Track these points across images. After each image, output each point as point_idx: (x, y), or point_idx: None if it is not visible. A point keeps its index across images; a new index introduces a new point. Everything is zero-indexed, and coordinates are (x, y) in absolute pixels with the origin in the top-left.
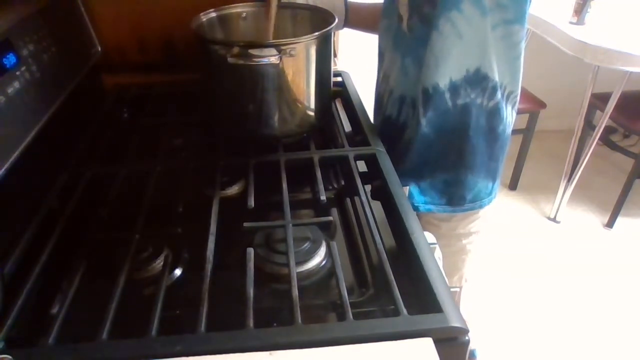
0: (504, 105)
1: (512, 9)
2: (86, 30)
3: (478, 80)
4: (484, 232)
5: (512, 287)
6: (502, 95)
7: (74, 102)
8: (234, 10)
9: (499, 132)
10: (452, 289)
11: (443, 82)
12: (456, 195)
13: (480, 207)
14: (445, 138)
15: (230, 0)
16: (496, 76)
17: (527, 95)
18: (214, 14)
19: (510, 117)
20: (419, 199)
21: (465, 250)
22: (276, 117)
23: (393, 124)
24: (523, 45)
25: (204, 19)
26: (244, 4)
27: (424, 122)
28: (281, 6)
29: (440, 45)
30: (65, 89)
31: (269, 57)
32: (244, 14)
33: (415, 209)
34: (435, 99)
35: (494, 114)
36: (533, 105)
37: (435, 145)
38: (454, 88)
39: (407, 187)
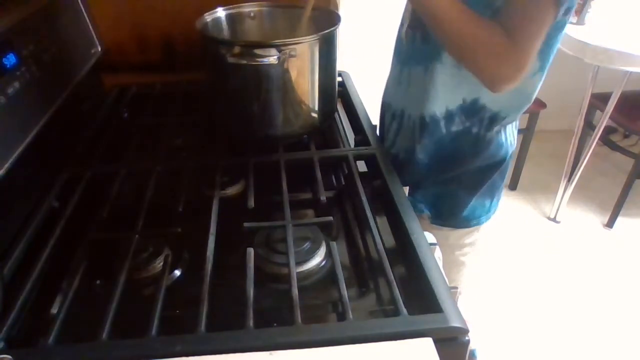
0: (502, 132)
1: None
2: (86, 30)
3: (475, 110)
4: (482, 246)
5: (512, 287)
6: (501, 124)
7: (74, 102)
8: (242, 10)
9: (497, 158)
10: (451, 289)
11: (440, 111)
12: (445, 210)
13: (477, 224)
14: (438, 163)
15: (232, 1)
16: (495, 107)
17: None
18: (221, 13)
19: (511, 137)
20: (415, 205)
21: (458, 262)
22: (279, 118)
23: (380, 129)
24: (540, 77)
25: (209, 19)
26: (253, 3)
27: (418, 148)
28: (286, 6)
29: (442, 77)
30: (65, 89)
31: (269, 57)
32: (252, 14)
33: (419, 212)
34: (432, 127)
35: (491, 142)
36: (533, 105)
37: (429, 169)
38: (450, 116)
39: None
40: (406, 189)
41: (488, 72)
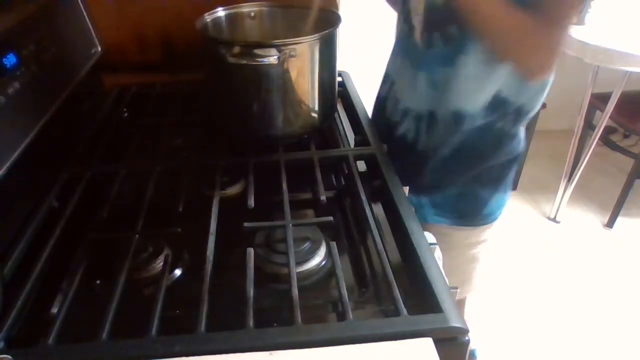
0: (521, 125)
1: None
2: (86, 30)
3: (497, 103)
4: (494, 240)
5: (511, 287)
6: (523, 116)
7: (74, 102)
8: (242, 10)
9: (516, 153)
10: (451, 289)
11: (469, 106)
12: (469, 210)
13: (494, 220)
14: (462, 158)
15: (231, 1)
16: (518, 100)
17: None
18: (221, 13)
19: (523, 131)
20: (429, 211)
21: (475, 258)
22: (279, 118)
23: (397, 135)
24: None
25: (209, 19)
26: (253, 3)
27: (449, 144)
28: (286, 6)
29: (470, 73)
30: (65, 89)
31: (269, 57)
32: (252, 14)
33: (423, 219)
34: (458, 122)
35: (514, 137)
36: None
37: (451, 164)
38: (476, 111)
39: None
40: (406, 189)
41: (529, 62)
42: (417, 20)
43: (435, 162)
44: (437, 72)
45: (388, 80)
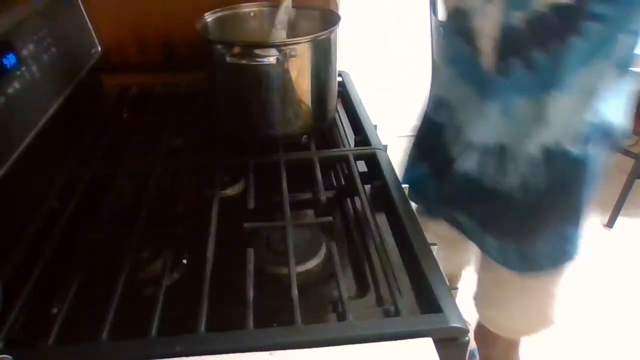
0: (609, 147)
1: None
2: (86, 31)
3: (595, 129)
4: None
5: None
6: (613, 136)
7: (74, 102)
8: (242, 10)
9: (599, 178)
10: (452, 289)
11: (561, 139)
12: (564, 253)
13: (577, 254)
14: (551, 195)
15: (231, 1)
16: (612, 119)
17: None
18: (221, 13)
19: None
20: (518, 264)
21: (556, 294)
22: (279, 118)
23: (460, 171)
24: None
25: (209, 19)
26: (253, 3)
27: (527, 181)
28: (292, 6)
29: (562, 104)
30: (65, 89)
31: (269, 57)
32: (252, 14)
33: (510, 265)
34: (548, 157)
35: (601, 161)
36: None
37: (540, 203)
38: (570, 143)
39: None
40: (406, 188)
41: None
42: (487, 44)
43: (521, 202)
44: (516, 103)
45: (443, 106)
